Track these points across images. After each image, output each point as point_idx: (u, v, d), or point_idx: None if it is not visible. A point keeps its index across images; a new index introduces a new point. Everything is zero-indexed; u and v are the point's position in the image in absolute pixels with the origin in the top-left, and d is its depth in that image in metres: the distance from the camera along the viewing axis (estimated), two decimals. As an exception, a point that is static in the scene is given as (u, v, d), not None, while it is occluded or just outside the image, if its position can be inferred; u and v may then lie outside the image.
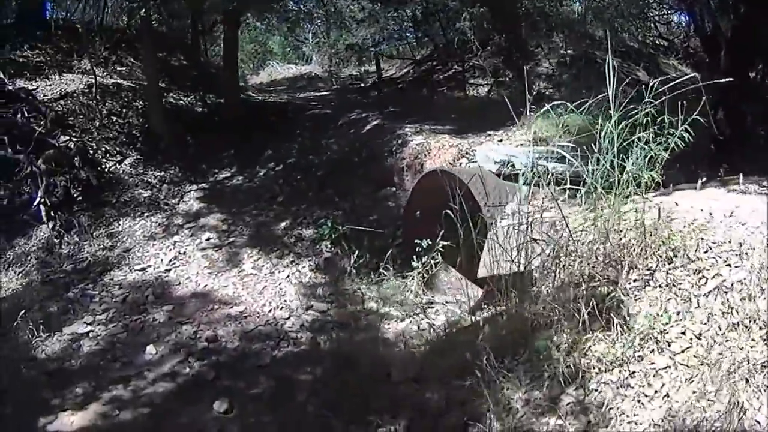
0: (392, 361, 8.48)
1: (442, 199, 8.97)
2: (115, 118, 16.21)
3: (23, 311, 10.12)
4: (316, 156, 15.86)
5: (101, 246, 12.72)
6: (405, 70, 24.15)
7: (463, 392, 6.75)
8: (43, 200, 12.88)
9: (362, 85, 23.42)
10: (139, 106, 16.94)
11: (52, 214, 12.87)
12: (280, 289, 11.27)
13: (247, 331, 9.89)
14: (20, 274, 11.93)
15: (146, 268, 12.02)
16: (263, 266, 12.01)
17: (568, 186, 7.36)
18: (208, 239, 12.96)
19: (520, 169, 8.41)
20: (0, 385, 8.55)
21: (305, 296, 11.09)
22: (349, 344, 9.43)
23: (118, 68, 19.31)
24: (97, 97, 16.27)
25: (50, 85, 16.74)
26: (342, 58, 24.52)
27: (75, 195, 13.72)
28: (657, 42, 22.77)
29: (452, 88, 20.58)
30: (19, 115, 14.80)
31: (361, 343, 9.46)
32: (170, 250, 12.63)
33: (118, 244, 12.82)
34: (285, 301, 10.91)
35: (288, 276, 11.67)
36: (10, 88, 15.58)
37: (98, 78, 16.74)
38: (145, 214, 13.73)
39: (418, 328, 9.72)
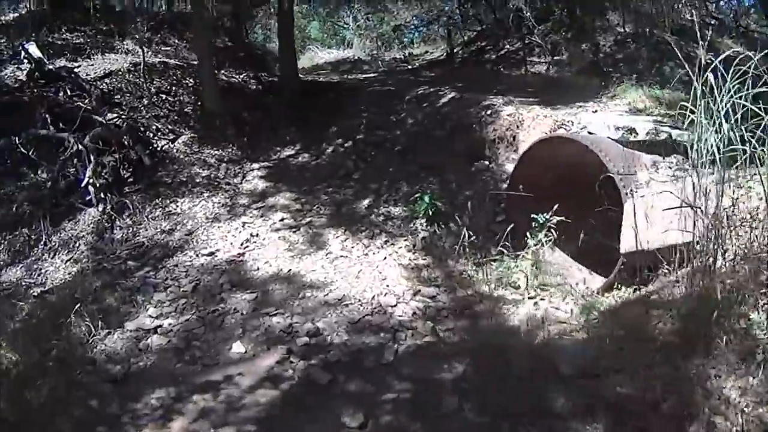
0: (551, 353, 6.47)
1: (554, 170, 8.55)
2: (164, 96, 13.84)
3: (77, 304, 7.82)
4: (388, 131, 13.41)
5: (159, 229, 10.33)
6: (453, 51, 21.52)
7: (660, 383, 5.32)
8: (91, 181, 10.51)
9: (409, 66, 21.11)
10: (189, 84, 14.61)
11: (101, 195, 10.54)
12: (379, 272, 8.89)
13: (352, 322, 7.64)
14: (69, 262, 9.60)
15: (215, 252, 9.60)
16: (353, 247, 9.65)
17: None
18: (282, 220, 10.57)
19: (644, 138, 8.54)
20: (54, 395, 6.18)
21: (409, 280, 8.76)
22: (474, 334, 7.39)
23: (162, 48, 16.90)
24: (145, 75, 13.86)
25: (92, 65, 14.32)
26: (385, 41, 22.55)
27: (125, 175, 11.36)
28: (707, 20, 20.46)
29: (509, 66, 18.16)
30: (61, 93, 12.64)
31: (490, 331, 7.37)
32: (239, 231, 10.24)
33: (178, 227, 10.42)
34: (387, 285, 8.56)
35: (385, 258, 9.29)
36: (50, 67, 13.32)
37: (143, 58, 14.40)
38: (205, 194, 11.32)
39: (545, 312, 7.64)
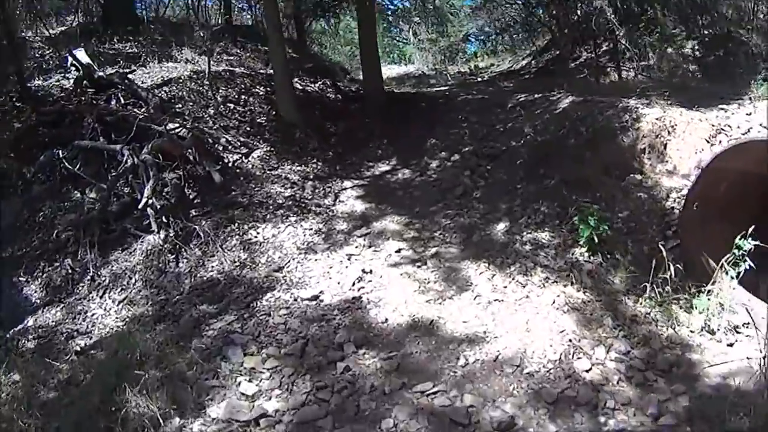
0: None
1: (726, 183, 6.99)
2: (233, 106, 10.78)
3: (133, 369, 5.03)
4: (501, 142, 10.16)
5: (237, 261, 7.31)
6: (524, 62, 18.68)
7: None
8: (150, 202, 7.57)
9: (479, 79, 18.31)
10: (261, 93, 11.50)
11: (163, 219, 7.59)
12: (554, 321, 5.94)
13: (550, 401, 4.98)
14: (121, 304, 6.82)
15: (319, 295, 6.56)
16: (506, 287, 6.60)
17: None
18: (399, 251, 7.51)
19: None
20: None
21: (590, 329, 5.95)
22: (708, 404, 5.05)
23: (225, 57, 13.70)
24: (210, 82, 10.84)
25: (148, 73, 11.33)
26: (447, 55, 19.85)
27: (191, 195, 8.37)
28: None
29: (593, 73, 15.06)
30: (113, 102, 9.76)
31: (719, 398, 5.06)
32: (346, 267, 7.17)
33: (262, 259, 7.38)
34: (570, 340, 5.71)
35: (553, 301, 6.26)
36: (101, 73, 10.35)
37: (209, 64, 11.34)
38: (292, 218, 8.24)
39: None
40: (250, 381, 5.22)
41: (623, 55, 14.37)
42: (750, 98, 9.21)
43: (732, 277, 6.45)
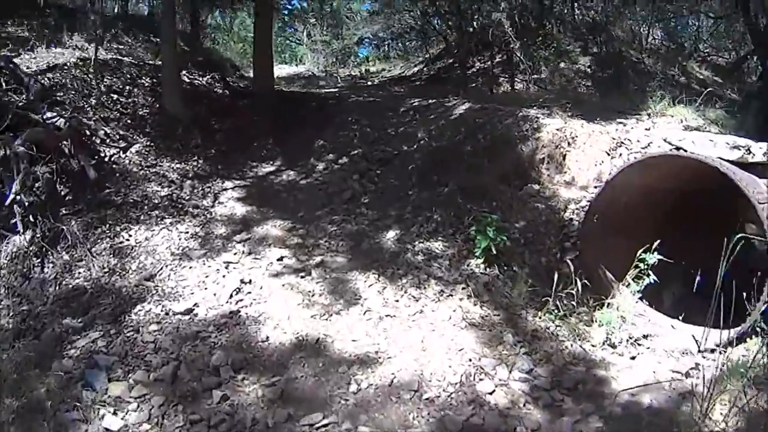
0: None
1: (627, 196, 6.90)
2: (116, 96, 9.61)
3: None
4: (393, 146, 9.53)
5: (106, 268, 6.37)
6: (416, 69, 18.25)
7: None
8: (18, 198, 6.51)
9: (369, 83, 17.72)
10: (146, 84, 10.35)
11: (30, 218, 6.54)
12: (451, 339, 5.43)
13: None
14: None
15: (194, 308, 5.78)
16: (398, 301, 6.01)
17: None
18: (281, 259, 6.76)
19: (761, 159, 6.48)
20: None
21: (491, 347, 5.50)
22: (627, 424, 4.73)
23: (115, 46, 12.46)
24: (93, 69, 9.64)
25: (35, 58, 9.99)
26: (339, 58, 19.24)
27: (63, 192, 7.28)
28: (668, 44, 18.16)
29: (485, 82, 14.73)
30: None
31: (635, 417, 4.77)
32: (224, 276, 6.38)
33: (133, 266, 6.49)
34: (470, 360, 5.23)
35: (450, 317, 5.75)
36: (-20, 56, 9.07)
37: (95, 52, 10.24)
38: (167, 221, 7.37)
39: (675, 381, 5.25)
40: (115, 413, 4.44)
41: (517, 67, 14.19)
42: (648, 114, 9.03)
43: (636, 291, 6.33)
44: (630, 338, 6.03)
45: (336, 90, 14.55)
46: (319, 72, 18.96)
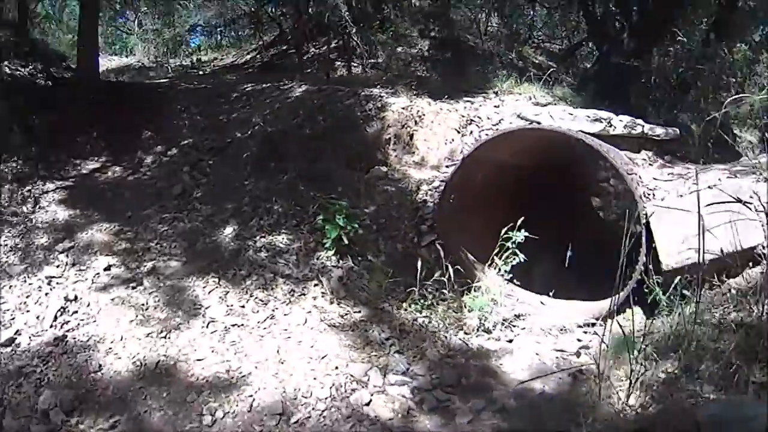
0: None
1: (483, 173, 6.64)
2: None
3: None
4: (226, 133, 8.41)
5: None
6: (248, 57, 17.20)
7: None
8: None
9: (200, 72, 16.51)
10: None
11: None
12: (311, 345, 4.71)
13: None
14: None
15: (15, 338, 4.67)
16: (244, 307, 5.17)
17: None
18: (108, 268, 5.67)
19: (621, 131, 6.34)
20: None
21: (357, 349, 4.86)
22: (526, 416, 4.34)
23: None
24: None
25: None
26: (170, 48, 17.84)
27: None
28: (504, 31, 18.53)
29: (321, 68, 14.00)
30: None
31: (533, 408, 4.40)
32: (46, 294, 5.24)
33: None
34: (336, 367, 4.56)
35: (306, 320, 5.00)
36: None
37: None
38: (-17, 233, 6.23)
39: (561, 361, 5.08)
40: None
41: (354, 52, 13.65)
42: (495, 92, 8.66)
43: (506, 271, 5.96)
44: (504, 321, 5.68)
45: (166, 80, 13.32)
46: (150, 63, 17.42)
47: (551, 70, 10.37)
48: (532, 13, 16.92)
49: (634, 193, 5.49)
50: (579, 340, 5.48)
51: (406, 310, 5.49)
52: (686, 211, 5.17)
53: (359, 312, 5.30)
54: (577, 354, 5.23)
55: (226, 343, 4.71)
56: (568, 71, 13.86)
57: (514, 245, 5.75)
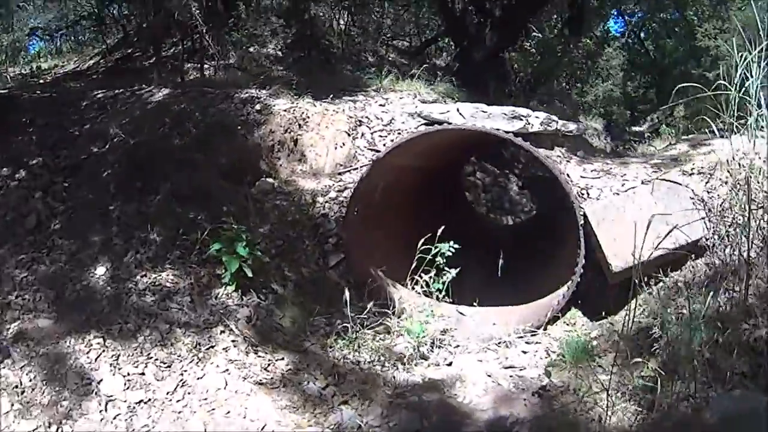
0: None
1: (409, 178, 6.49)
2: None
3: None
4: (77, 149, 6.82)
5: None
6: (91, 62, 15.38)
7: None
8: None
9: (42, 81, 14.57)
10: None
11: None
12: (242, 416, 3.73)
13: None
14: None
15: None
16: (145, 374, 3.99)
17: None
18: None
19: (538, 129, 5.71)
20: None
21: (296, 410, 3.94)
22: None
23: None
24: None
25: None
26: (8, 55, 15.65)
27: None
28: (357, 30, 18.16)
29: (172, 71, 12.71)
30: None
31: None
32: None
33: None
34: None
35: (225, 381, 3.97)
36: None
37: None
38: None
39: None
40: None
41: (206, 53, 12.50)
42: (375, 90, 7.83)
43: (438, 290, 5.21)
44: (436, 342, 5.02)
45: (5, 90, 11.42)
46: (-25, 72, 15.23)
47: (423, 65, 9.80)
48: (381, 10, 16.58)
49: (570, 194, 4.95)
50: (524, 353, 4.92)
51: (332, 347, 4.63)
52: (626, 208, 4.78)
53: (282, 359, 4.34)
54: (530, 369, 4.65)
55: (137, 427, 3.61)
56: (420, 66, 13.80)
57: (443, 259, 5.03)
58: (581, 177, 5.46)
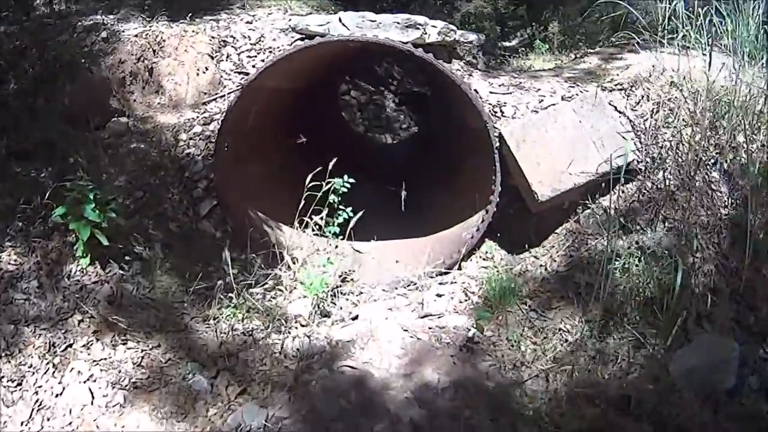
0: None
1: (282, 102, 5.40)
2: None
3: None
4: None
5: None
6: None
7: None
8: None
9: None
10: None
11: None
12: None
13: None
14: None
15: None
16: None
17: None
18: None
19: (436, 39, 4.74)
20: None
21: (188, 417, 3.04)
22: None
23: None
24: None
25: None
26: None
27: None
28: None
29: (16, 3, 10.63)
30: None
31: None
32: None
33: None
34: None
35: (91, 394, 3.03)
36: None
37: None
38: None
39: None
40: None
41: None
42: (241, 6, 6.58)
43: (334, 234, 4.28)
44: (337, 293, 4.18)
45: None
46: None
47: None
48: None
49: (481, 113, 4.11)
50: (439, 296, 4.15)
51: (217, 319, 3.71)
52: (548, 128, 4.10)
53: (159, 346, 3.42)
54: (449, 315, 3.95)
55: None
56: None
57: (338, 197, 4.15)
58: (490, 93, 4.62)
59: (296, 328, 3.75)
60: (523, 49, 9.27)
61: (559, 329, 3.62)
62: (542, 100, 4.47)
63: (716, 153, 3.99)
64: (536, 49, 8.74)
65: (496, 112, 4.43)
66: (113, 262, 3.86)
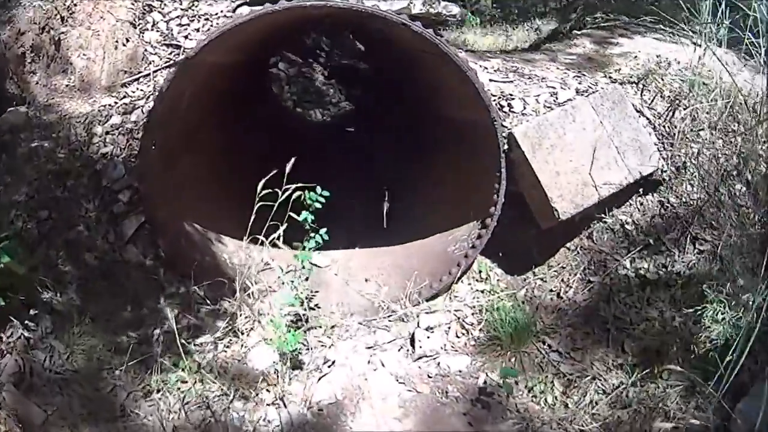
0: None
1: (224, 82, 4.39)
2: None
3: None
4: None
5: None
6: None
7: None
8: None
9: None
10: None
11: None
12: None
13: None
14: None
15: None
16: None
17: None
18: None
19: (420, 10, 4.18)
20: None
21: None
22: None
23: None
24: None
25: None
26: None
27: None
28: None
29: None
30: None
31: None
32: None
33: None
34: None
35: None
36: None
37: None
38: None
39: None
40: None
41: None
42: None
43: (305, 258, 3.39)
44: (302, 324, 3.30)
45: None
46: None
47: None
48: None
49: (489, 109, 3.21)
50: (431, 330, 3.35)
51: (161, 391, 2.81)
52: (566, 129, 3.29)
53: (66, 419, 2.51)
54: (448, 356, 3.20)
55: None
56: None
57: (311, 213, 3.25)
58: (490, 80, 3.72)
59: (264, 390, 2.89)
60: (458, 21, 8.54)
61: (593, 376, 2.91)
62: (555, 94, 3.62)
63: (738, 161, 3.36)
64: (467, 23, 8.00)
65: (503, 107, 3.56)
66: (15, 321, 2.86)
